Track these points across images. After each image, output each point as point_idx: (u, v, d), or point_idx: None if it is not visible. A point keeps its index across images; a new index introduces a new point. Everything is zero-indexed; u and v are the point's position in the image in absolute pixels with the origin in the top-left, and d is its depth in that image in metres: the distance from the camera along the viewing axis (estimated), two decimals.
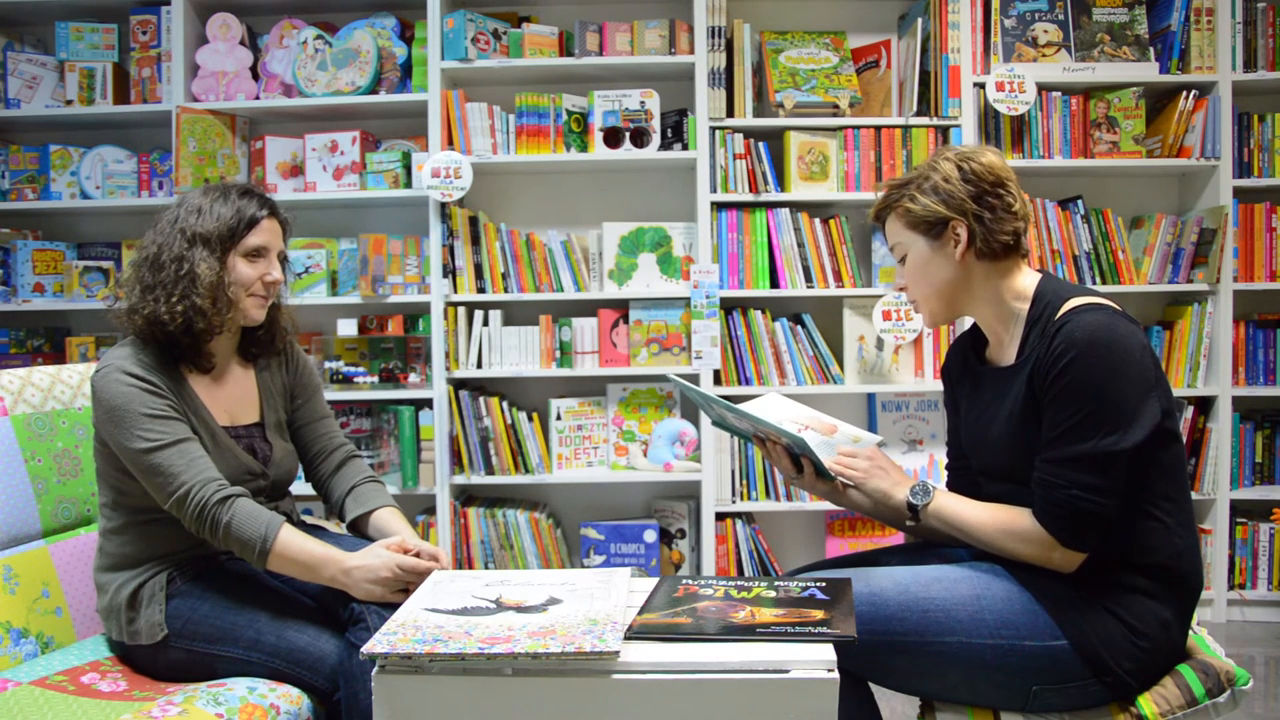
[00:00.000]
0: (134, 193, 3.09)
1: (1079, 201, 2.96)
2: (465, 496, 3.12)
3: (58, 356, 3.16)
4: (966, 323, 1.57)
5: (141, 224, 1.67)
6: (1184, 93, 2.94)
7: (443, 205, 2.94)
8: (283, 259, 1.67)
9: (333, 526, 1.84)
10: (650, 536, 2.95)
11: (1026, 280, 1.44)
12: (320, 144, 3.03)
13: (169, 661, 1.52)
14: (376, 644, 1.10)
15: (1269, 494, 2.98)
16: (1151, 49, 2.99)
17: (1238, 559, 2.99)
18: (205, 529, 1.47)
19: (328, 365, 2.99)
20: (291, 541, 1.49)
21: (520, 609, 1.21)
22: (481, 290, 2.99)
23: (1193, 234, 2.95)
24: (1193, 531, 1.36)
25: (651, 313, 2.97)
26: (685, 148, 2.94)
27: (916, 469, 3.02)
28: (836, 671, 1.08)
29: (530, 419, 2.99)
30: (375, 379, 3.00)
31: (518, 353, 2.99)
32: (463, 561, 2.99)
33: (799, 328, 2.97)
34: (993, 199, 1.41)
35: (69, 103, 3.05)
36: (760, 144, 2.94)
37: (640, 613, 1.21)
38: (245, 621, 1.51)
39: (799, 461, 1.50)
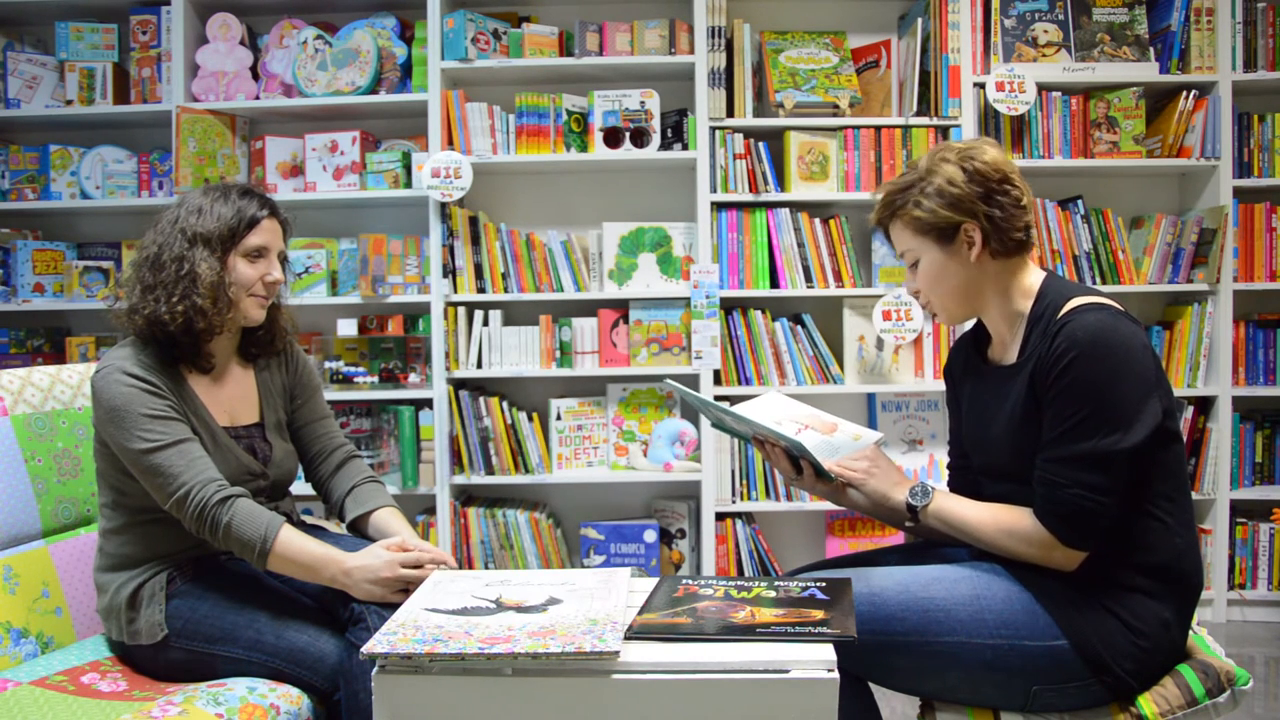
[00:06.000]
0: (134, 193, 3.09)
1: (1079, 201, 2.96)
2: (465, 496, 3.12)
3: (58, 356, 3.16)
4: (970, 320, 1.56)
5: (141, 224, 1.67)
6: (1184, 93, 2.94)
7: (443, 205, 2.94)
8: (283, 259, 1.67)
9: (333, 526, 1.84)
10: (650, 536, 2.95)
11: (1033, 278, 1.44)
12: (320, 144, 3.03)
13: (169, 661, 1.52)
14: (376, 644, 1.10)
15: (1269, 494, 2.98)
16: (1151, 49, 2.99)
17: (1238, 559, 2.99)
18: (205, 529, 1.47)
19: (328, 365, 2.99)
20: (291, 542, 1.49)
21: (520, 609, 1.21)
22: (481, 290, 2.99)
23: (1193, 234, 2.95)
24: (1193, 531, 1.36)
25: (651, 313, 2.97)
26: (685, 148, 2.94)
27: (916, 469, 3.02)
28: (836, 671, 1.08)
29: (530, 419, 2.99)
30: (375, 379, 3.00)
31: (518, 353, 2.99)
32: (463, 561, 2.99)
33: (799, 328, 2.97)
34: (1001, 196, 1.39)
35: (69, 103, 3.05)
36: (760, 144, 2.94)
37: (640, 613, 1.21)
38: (245, 621, 1.51)
39: (798, 462, 1.50)
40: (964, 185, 1.39)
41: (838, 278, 2.96)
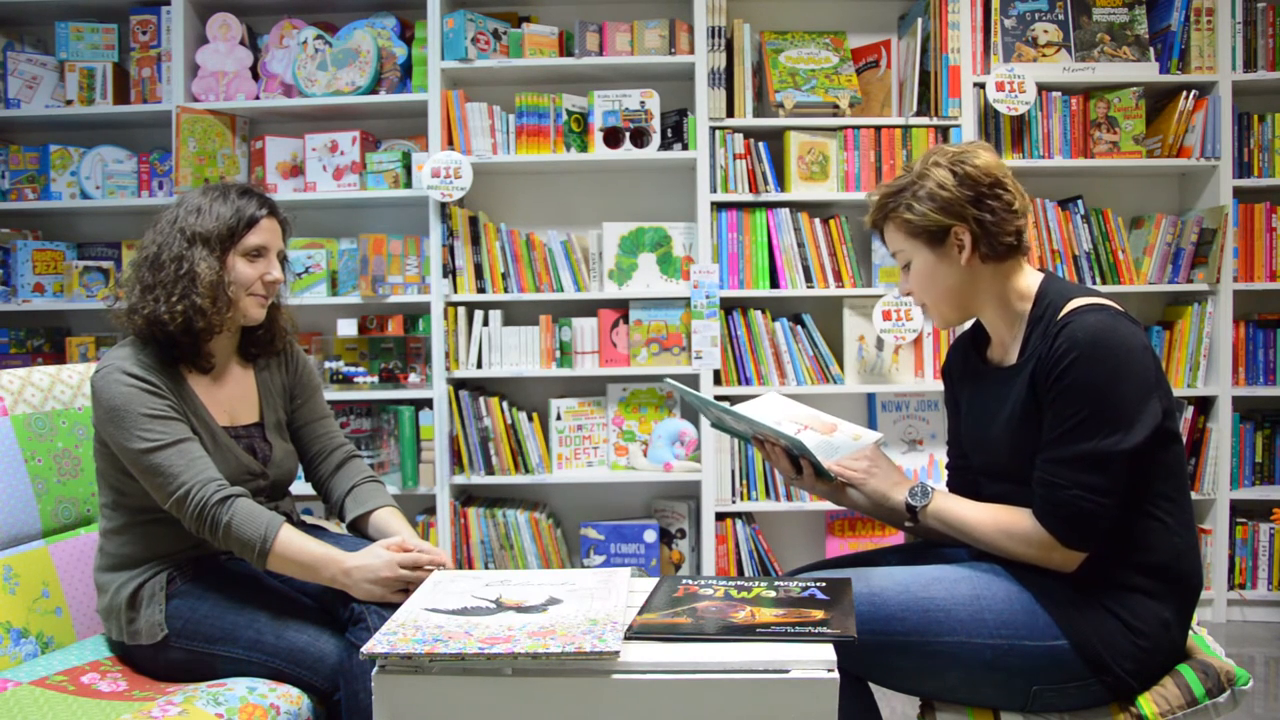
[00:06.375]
0: (134, 193, 3.09)
1: (1079, 201, 2.96)
2: (465, 496, 3.12)
3: (58, 356, 3.16)
4: (968, 321, 1.57)
5: (141, 224, 1.67)
6: (1184, 93, 2.94)
7: (443, 205, 2.94)
8: (282, 259, 1.67)
9: (333, 526, 1.84)
10: (650, 536, 2.95)
11: (1030, 280, 1.44)
12: (320, 144, 3.03)
13: (169, 661, 1.52)
14: (376, 644, 1.10)
15: (1269, 494, 2.98)
16: (1151, 49, 2.99)
17: (1238, 559, 2.99)
18: (205, 529, 1.47)
19: (328, 365, 2.99)
20: (291, 541, 1.49)
21: (520, 609, 1.21)
22: (481, 290, 2.99)
23: (1193, 234, 2.95)
24: (1192, 531, 1.36)
25: (651, 313, 2.97)
26: (685, 148, 2.94)
27: (916, 469, 3.02)
28: (836, 671, 1.08)
29: (530, 419, 2.99)
30: (375, 379, 3.00)
31: (518, 353, 2.99)
32: (463, 561, 2.99)
33: (799, 328, 2.97)
34: (992, 200, 1.40)
35: (69, 103, 3.05)
36: (760, 144, 2.94)
37: (640, 613, 1.21)
38: (245, 621, 1.51)
39: (798, 462, 1.50)
40: (954, 189, 1.39)
41: (838, 278, 2.96)
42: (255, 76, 3.06)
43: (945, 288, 1.45)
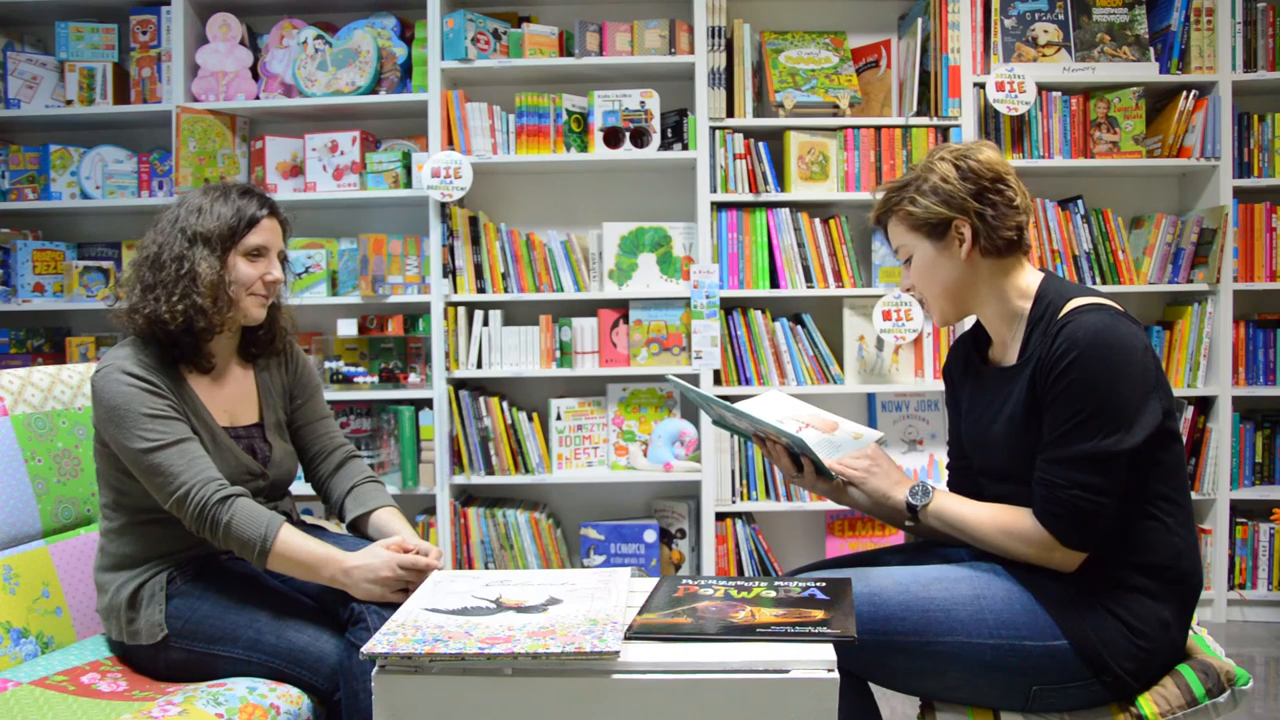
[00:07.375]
0: (134, 193, 3.09)
1: (1079, 201, 2.96)
2: (465, 496, 3.12)
3: (58, 356, 3.16)
4: (968, 322, 1.57)
5: (141, 224, 1.68)
6: (1184, 93, 2.94)
7: (443, 205, 2.94)
8: (283, 258, 1.68)
9: (333, 526, 1.84)
10: (650, 536, 2.95)
11: (1030, 279, 1.44)
12: (320, 144, 3.03)
13: (169, 661, 1.52)
14: (376, 644, 1.10)
15: (1269, 494, 2.98)
16: (1151, 49, 2.99)
17: (1238, 559, 2.99)
18: (205, 528, 1.48)
19: (328, 365, 2.99)
20: (291, 541, 1.49)
21: (520, 609, 1.21)
22: (481, 290, 2.99)
23: (1193, 234, 2.95)
24: (1192, 531, 1.36)
25: (651, 313, 2.97)
26: (685, 148, 2.94)
27: (916, 469, 3.02)
28: (836, 671, 1.08)
29: (530, 419, 2.99)
30: (375, 379, 3.00)
31: (518, 353, 2.99)
32: (463, 561, 2.99)
33: (799, 328, 2.97)
34: (993, 195, 1.41)
35: (69, 103, 3.05)
36: (760, 144, 2.94)
37: (640, 613, 1.21)
38: (245, 621, 1.51)
39: (799, 460, 1.50)
40: (956, 182, 1.41)
41: (838, 278, 2.96)
42: (255, 76, 3.06)
43: (945, 282, 1.45)
